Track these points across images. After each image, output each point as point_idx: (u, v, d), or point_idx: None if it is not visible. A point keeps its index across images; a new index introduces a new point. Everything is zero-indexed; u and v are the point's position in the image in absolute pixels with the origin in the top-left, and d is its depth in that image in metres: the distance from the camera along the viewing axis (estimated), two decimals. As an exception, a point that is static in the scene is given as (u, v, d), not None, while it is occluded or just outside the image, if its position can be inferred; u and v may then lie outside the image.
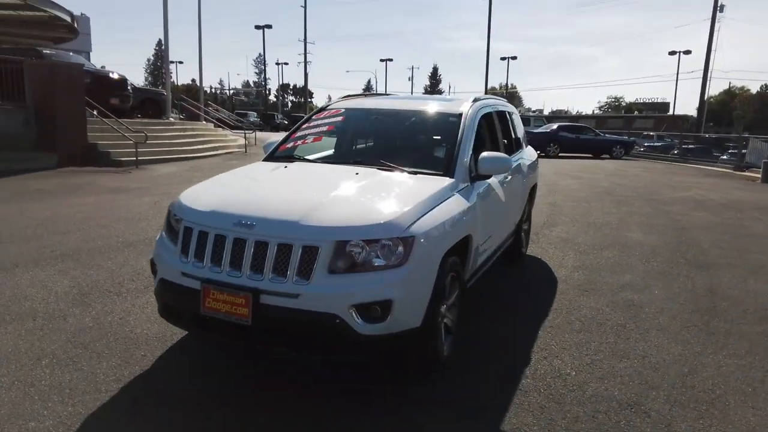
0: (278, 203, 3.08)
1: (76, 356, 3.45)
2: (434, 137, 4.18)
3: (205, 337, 3.68)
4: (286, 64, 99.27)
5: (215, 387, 3.16)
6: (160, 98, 19.85)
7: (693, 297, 4.92)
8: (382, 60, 73.08)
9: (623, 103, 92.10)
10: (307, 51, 55.34)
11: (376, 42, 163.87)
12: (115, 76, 16.35)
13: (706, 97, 39.37)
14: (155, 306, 3.51)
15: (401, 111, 4.56)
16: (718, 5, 34.75)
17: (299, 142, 4.40)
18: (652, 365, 3.55)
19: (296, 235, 2.80)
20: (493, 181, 4.18)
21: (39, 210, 7.84)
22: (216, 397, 3.04)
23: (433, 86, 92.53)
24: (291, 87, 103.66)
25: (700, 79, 35.92)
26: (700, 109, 38.89)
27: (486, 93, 48.28)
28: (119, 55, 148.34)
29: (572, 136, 24.51)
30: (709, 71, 35.62)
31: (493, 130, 4.73)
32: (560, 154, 23.91)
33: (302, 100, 76.72)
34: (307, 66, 56.73)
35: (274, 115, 51.68)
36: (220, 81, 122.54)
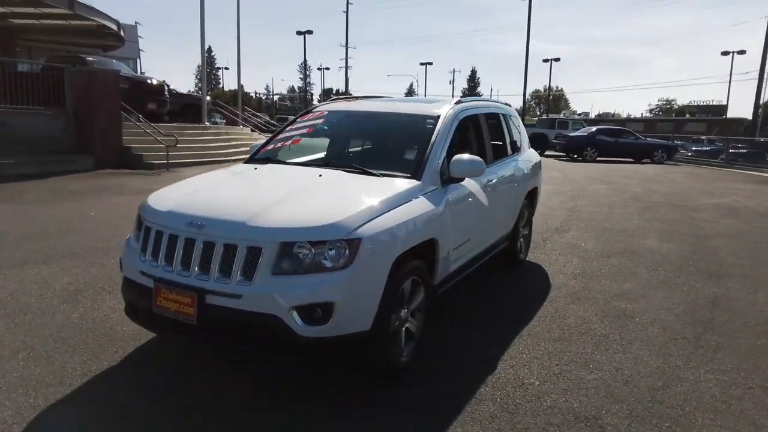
0: (230, 205, 3.12)
1: (53, 350, 3.59)
2: (409, 140, 4.14)
3: (160, 335, 3.73)
4: (327, 69, 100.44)
5: (182, 384, 3.23)
6: (201, 104, 20.45)
7: (692, 308, 4.68)
8: (422, 63, 73.02)
9: (675, 106, 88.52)
10: (349, 56, 55.96)
11: (418, 45, 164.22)
12: (153, 81, 16.92)
13: (762, 100, 37.42)
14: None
15: (379, 113, 4.53)
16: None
17: (279, 144, 4.45)
18: (623, 378, 3.39)
19: (242, 236, 2.83)
20: (471, 184, 4.09)
21: (66, 210, 8.22)
22: (179, 393, 3.10)
23: (472, 89, 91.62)
24: (333, 92, 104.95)
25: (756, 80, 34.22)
26: (755, 111, 36.96)
27: (525, 95, 46.78)
28: (172, 61, 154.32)
29: (611, 140, 23.73)
30: (766, 72, 33.82)
31: (479, 132, 4.64)
32: (598, 159, 23.24)
33: (344, 104, 77.22)
34: (348, 71, 57.36)
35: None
36: (266, 86, 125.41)
